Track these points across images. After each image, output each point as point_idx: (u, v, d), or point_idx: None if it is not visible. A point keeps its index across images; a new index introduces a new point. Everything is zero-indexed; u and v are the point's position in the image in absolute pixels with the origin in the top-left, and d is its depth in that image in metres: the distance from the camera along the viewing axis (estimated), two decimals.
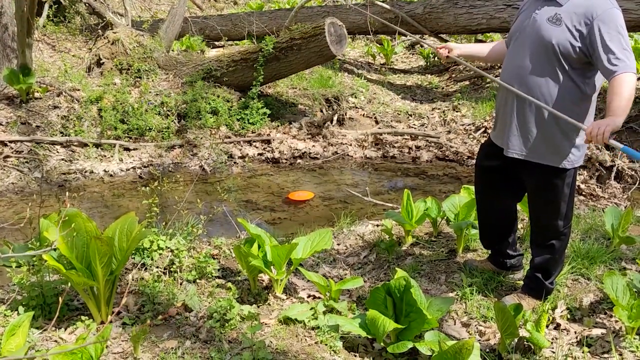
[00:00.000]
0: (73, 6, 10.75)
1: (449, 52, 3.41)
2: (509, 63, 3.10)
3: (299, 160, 7.12)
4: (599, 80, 2.96)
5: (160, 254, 3.84)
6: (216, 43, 11.06)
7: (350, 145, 7.45)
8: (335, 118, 8.06)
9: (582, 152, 3.06)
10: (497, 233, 3.58)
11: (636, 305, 3.02)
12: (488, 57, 3.50)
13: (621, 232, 3.96)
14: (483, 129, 7.52)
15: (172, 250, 3.85)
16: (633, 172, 6.10)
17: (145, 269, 3.77)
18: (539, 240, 3.25)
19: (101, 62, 8.01)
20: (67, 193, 5.61)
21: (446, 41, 10.19)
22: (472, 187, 3.81)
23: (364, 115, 8.40)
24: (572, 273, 3.69)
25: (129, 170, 6.59)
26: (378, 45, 11.51)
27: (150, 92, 7.51)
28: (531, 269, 3.34)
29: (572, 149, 2.98)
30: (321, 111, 8.17)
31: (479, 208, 3.58)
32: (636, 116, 7.29)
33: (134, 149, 6.88)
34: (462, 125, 7.81)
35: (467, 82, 9.48)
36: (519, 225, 4.17)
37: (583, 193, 5.79)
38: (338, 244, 4.41)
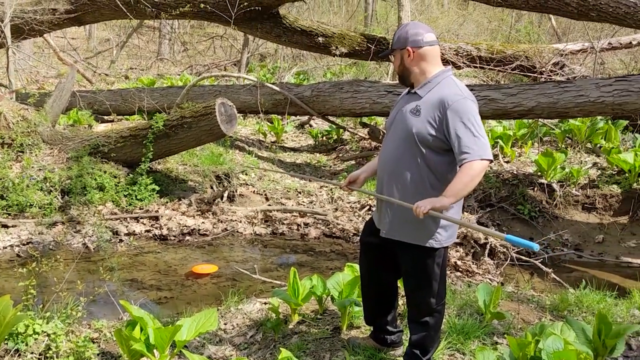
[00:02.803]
0: None
1: (351, 184, 3.59)
2: (382, 152, 3.34)
3: (187, 237, 7.07)
4: None
5: (35, 339, 3.66)
6: (105, 117, 10.90)
7: (240, 222, 7.50)
8: (225, 195, 8.12)
9: (450, 232, 3.28)
10: (379, 308, 3.71)
11: None
12: None
13: (492, 307, 4.23)
14: (368, 207, 7.84)
15: (48, 335, 3.68)
16: (505, 250, 6.56)
17: (19, 355, 3.58)
18: (415, 317, 3.41)
19: None
20: None
21: (333, 122, 10.68)
22: (356, 265, 3.97)
23: (254, 192, 8.51)
24: (449, 348, 3.87)
25: (6, 248, 6.26)
26: (269, 123, 11.83)
27: (32, 167, 7.26)
28: (409, 345, 3.47)
29: (440, 229, 3.19)
30: (211, 188, 8.22)
31: (362, 282, 3.72)
32: (507, 196, 7.89)
33: (12, 226, 6.57)
34: (349, 203, 8.11)
35: (353, 162, 9.89)
36: (400, 302, 4.36)
37: (460, 269, 6.14)
38: (225, 324, 4.40)
